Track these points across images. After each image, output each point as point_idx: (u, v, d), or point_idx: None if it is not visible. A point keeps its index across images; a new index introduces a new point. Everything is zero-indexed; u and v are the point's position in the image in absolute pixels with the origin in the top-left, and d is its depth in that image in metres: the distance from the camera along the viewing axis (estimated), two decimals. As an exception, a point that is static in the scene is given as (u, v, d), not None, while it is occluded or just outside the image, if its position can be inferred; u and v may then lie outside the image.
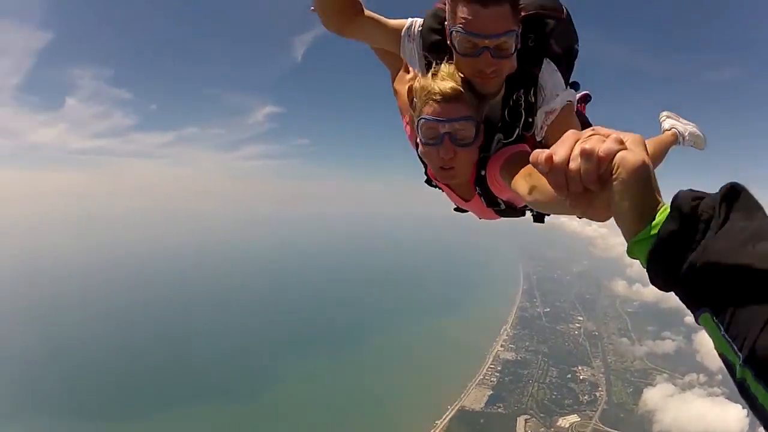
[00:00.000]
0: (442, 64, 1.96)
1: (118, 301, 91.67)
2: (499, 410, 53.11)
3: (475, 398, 55.06)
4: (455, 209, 2.64)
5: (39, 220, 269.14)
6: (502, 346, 66.01)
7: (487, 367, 61.70)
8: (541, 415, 48.48)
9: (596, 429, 46.33)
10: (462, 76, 1.92)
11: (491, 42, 1.81)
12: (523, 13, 1.97)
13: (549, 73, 2.11)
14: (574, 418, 47.17)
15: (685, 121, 3.72)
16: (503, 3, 1.77)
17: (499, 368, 60.79)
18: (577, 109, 2.63)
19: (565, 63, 2.29)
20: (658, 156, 3.43)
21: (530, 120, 2.11)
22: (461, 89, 1.88)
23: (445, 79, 1.89)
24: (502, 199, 2.18)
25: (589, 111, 3.30)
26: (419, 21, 2.26)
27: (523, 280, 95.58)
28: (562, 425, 46.23)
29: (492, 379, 58.90)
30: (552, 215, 2.27)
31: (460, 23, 1.81)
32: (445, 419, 50.10)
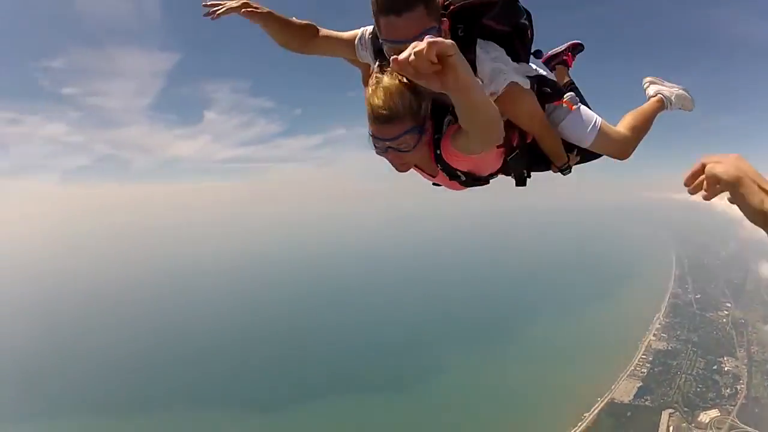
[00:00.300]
0: (384, 76, 2.08)
1: (280, 303, 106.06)
2: (646, 403, 57.75)
3: (624, 390, 60.50)
4: (433, 184, 2.84)
5: (192, 229, 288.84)
6: (654, 335, 68.99)
7: (638, 357, 67.18)
8: (685, 409, 53.07)
9: (733, 425, 49.12)
10: (404, 80, 2.01)
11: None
12: (451, 7, 2.24)
13: (483, 55, 2.35)
14: (714, 413, 50.83)
15: (670, 84, 3.54)
16: (415, 8, 1.95)
17: (650, 359, 64.86)
18: (563, 60, 3.36)
19: (518, 38, 2.61)
20: (645, 125, 3.25)
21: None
22: (394, 106, 2.04)
23: (391, 88, 2.03)
24: (461, 171, 2.48)
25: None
26: (369, 29, 2.55)
27: (675, 265, 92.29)
28: (703, 420, 50.41)
29: (642, 370, 63.69)
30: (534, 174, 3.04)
31: (384, 35, 2.09)
32: (593, 412, 57.55)
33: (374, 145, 2.24)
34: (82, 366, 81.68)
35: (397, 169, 2.39)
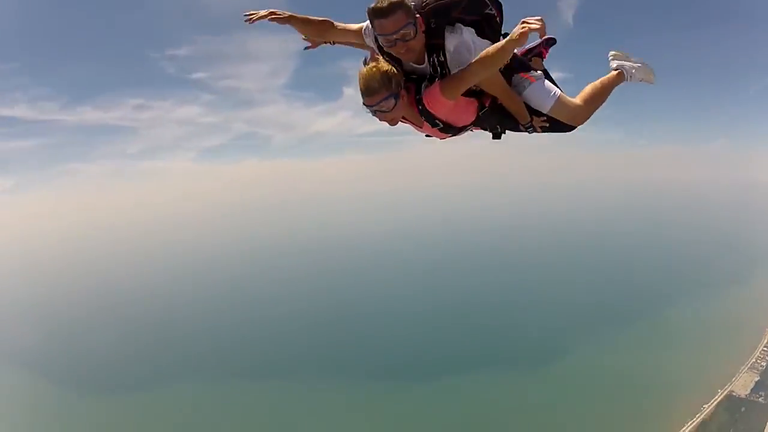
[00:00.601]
0: (380, 59, 3.38)
1: (426, 276, 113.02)
2: (760, 399, 59.85)
3: (743, 383, 62.59)
4: (426, 136, 4.01)
5: (341, 202, 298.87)
6: (779, 324, 68.53)
7: (761, 348, 68.38)
8: (801, 413, 55.74)
9: None
10: (379, 66, 3.29)
11: (397, 35, 3.17)
12: (428, 7, 3.31)
13: (449, 37, 3.34)
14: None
15: (634, 59, 4.18)
16: (396, 12, 3.10)
17: None
18: (539, 52, 4.16)
19: (486, 24, 3.51)
20: (602, 96, 4.03)
21: (446, 71, 3.39)
22: (375, 81, 3.25)
23: (367, 73, 3.28)
24: (439, 119, 3.56)
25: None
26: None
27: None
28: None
29: (762, 363, 65.39)
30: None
31: (377, 31, 3.25)
32: (712, 404, 60.54)
33: (366, 111, 3.39)
34: (242, 330, 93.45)
35: (389, 124, 3.49)
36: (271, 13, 3.58)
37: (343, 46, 3.98)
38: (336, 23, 3.79)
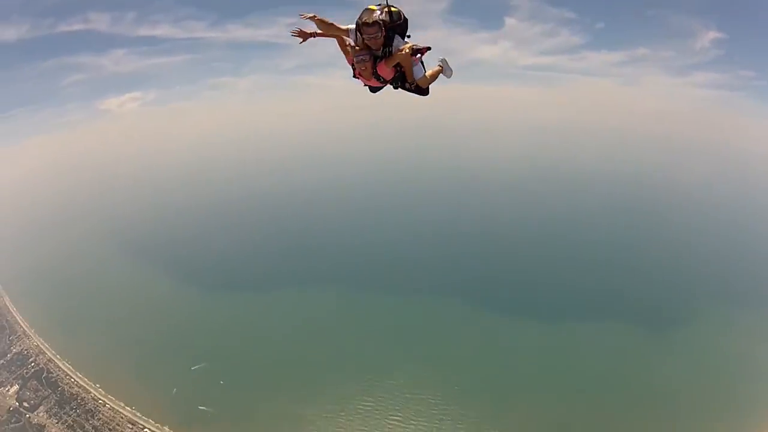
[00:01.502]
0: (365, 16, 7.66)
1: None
2: None
3: None
4: (364, 85, 8.52)
5: (493, 129, 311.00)
6: None
7: None
8: None
9: None
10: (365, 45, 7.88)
11: (373, 35, 7.70)
12: (389, 24, 7.79)
13: (395, 42, 7.99)
14: None
15: (447, 63, 9.29)
16: (375, 25, 7.58)
17: None
18: (423, 50, 8.67)
19: (401, 32, 8.15)
20: (434, 78, 8.97)
21: (389, 55, 8.02)
22: (364, 48, 7.94)
23: (356, 46, 8.03)
24: (381, 76, 8.21)
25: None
26: (352, 26, 7.90)
27: None
28: None
29: None
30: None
31: (362, 32, 7.77)
32: None
33: (356, 62, 8.09)
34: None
35: (359, 69, 8.12)
36: (314, 15, 7.76)
37: (326, 38, 8.14)
38: (339, 25, 8.08)
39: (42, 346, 73.04)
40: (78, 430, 61.05)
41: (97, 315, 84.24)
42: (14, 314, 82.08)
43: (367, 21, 7.53)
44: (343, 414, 59.36)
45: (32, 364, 70.26)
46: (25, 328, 77.81)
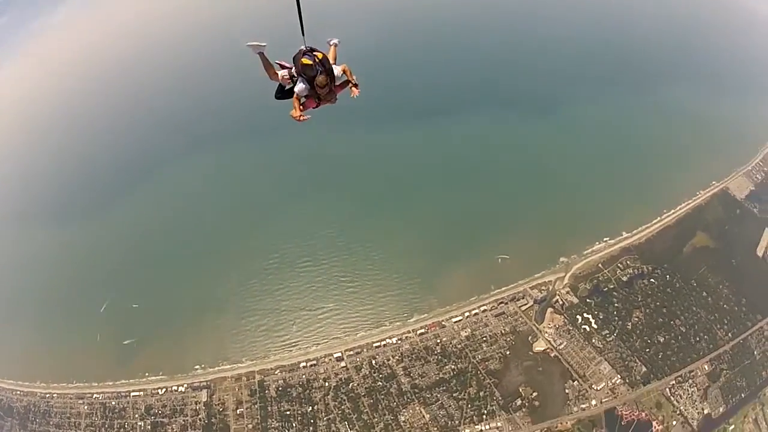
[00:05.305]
0: (320, 77, 8.39)
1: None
2: (755, 210, 67.63)
3: (738, 186, 70.88)
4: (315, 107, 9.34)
5: None
6: (780, 146, 77.06)
7: (757, 161, 75.47)
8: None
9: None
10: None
11: (323, 85, 8.46)
12: (331, 71, 8.66)
13: (335, 72, 8.82)
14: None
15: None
16: (326, 86, 8.55)
17: (766, 168, 74.12)
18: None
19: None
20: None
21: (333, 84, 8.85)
22: (326, 84, 8.53)
23: (322, 81, 8.40)
24: (335, 93, 9.07)
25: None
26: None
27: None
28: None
29: (758, 175, 73.22)
30: None
31: (316, 84, 8.43)
32: (708, 192, 69.84)
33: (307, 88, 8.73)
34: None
35: (325, 97, 8.84)
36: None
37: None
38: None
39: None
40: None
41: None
42: None
43: (320, 84, 8.44)
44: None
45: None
46: None
